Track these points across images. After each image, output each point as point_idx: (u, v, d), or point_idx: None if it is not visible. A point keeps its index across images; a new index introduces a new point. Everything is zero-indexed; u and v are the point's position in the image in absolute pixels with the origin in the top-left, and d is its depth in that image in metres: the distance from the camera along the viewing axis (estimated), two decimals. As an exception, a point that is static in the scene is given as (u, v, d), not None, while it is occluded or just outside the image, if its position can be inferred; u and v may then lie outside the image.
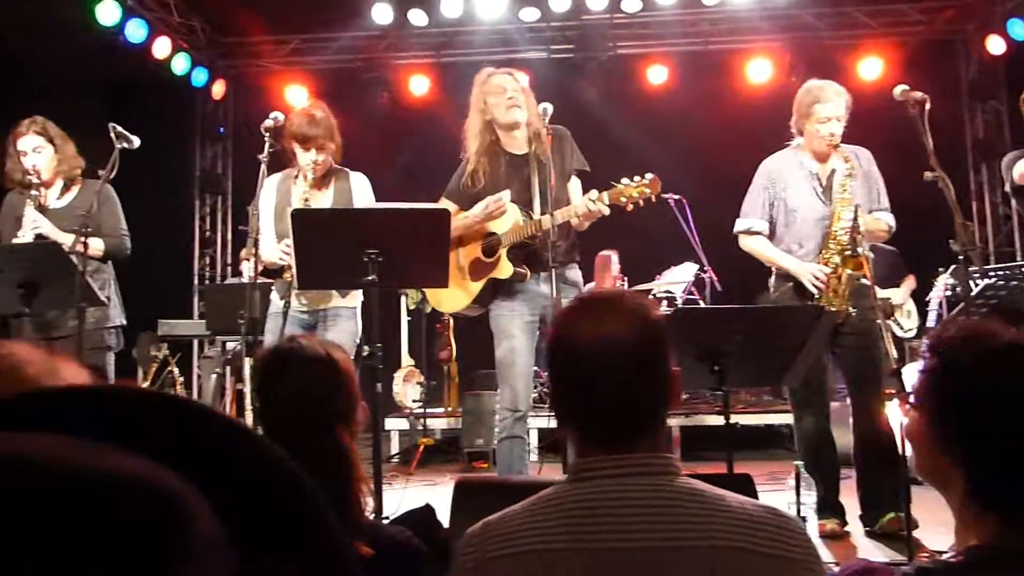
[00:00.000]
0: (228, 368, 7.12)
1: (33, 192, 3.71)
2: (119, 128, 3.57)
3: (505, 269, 3.49)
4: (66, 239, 3.62)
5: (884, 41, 8.08)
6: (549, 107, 3.41)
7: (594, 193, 3.32)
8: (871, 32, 8.11)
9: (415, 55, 8.43)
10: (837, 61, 7.88)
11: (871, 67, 7.99)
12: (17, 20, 5.94)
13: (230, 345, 6.73)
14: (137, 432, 0.38)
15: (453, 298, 3.61)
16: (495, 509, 1.32)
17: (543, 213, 3.26)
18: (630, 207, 3.30)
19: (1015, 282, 3.43)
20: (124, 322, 4.02)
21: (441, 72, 8.40)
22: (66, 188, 3.95)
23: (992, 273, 4.38)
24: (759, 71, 8.11)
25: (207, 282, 8.70)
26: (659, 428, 1.25)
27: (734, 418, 2.83)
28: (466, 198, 3.62)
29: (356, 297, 3.73)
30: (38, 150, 3.80)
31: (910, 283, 6.29)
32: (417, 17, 7.80)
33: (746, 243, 3.81)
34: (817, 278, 3.51)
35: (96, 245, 3.76)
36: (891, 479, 3.38)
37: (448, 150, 6.66)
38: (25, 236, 3.62)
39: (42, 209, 3.77)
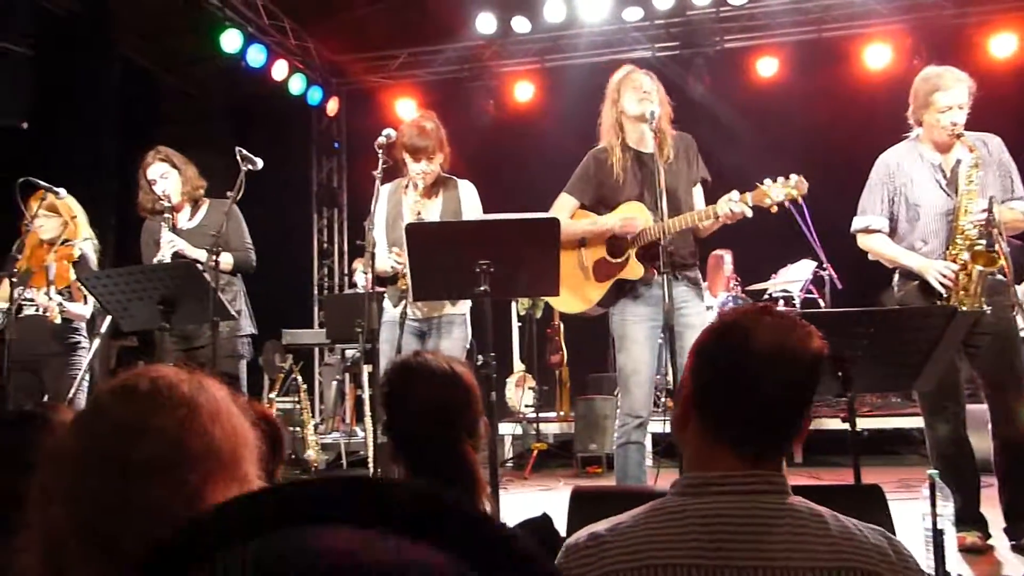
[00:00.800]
0: (347, 375, 7.39)
1: (166, 215, 3.95)
2: (244, 151, 3.77)
3: (636, 269, 3.43)
4: (200, 255, 3.87)
5: (1019, 14, 7.52)
6: (657, 109, 3.36)
7: (735, 194, 3.23)
8: (1004, 5, 7.57)
9: (519, 61, 8.51)
10: (965, 39, 7.42)
11: (1004, 44, 7.46)
12: (153, 53, 6.39)
13: (349, 352, 6.99)
14: (413, 524, 0.44)
15: (576, 300, 3.57)
16: (610, 516, 1.31)
17: (670, 214, 3.21)
18: (775, 209, 3.21)
19: None
20: (255, 331, 4.24)
21: (546, 77, 8.44)
22: (194, 209, 4.20)
23: None
24: (878, 56, 7.71)
25: (325, 292, 9.06)
26: (783, 454, 1.27)
27: (860, 422, 2.69)
28: (591, 190, 3.58)
29: (466, 303, 3.80)
30: (165, 176, 4.06)
31: None
32: (520, 24, 7.87)
33: (865, 242, 3.63)
34: (944, 276, 3.30)
35: (225, 260, 3.99)
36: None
37: (554, 153, 6.69)
38: (164, 256, 3.86)
39: (175, 231, 4.02)
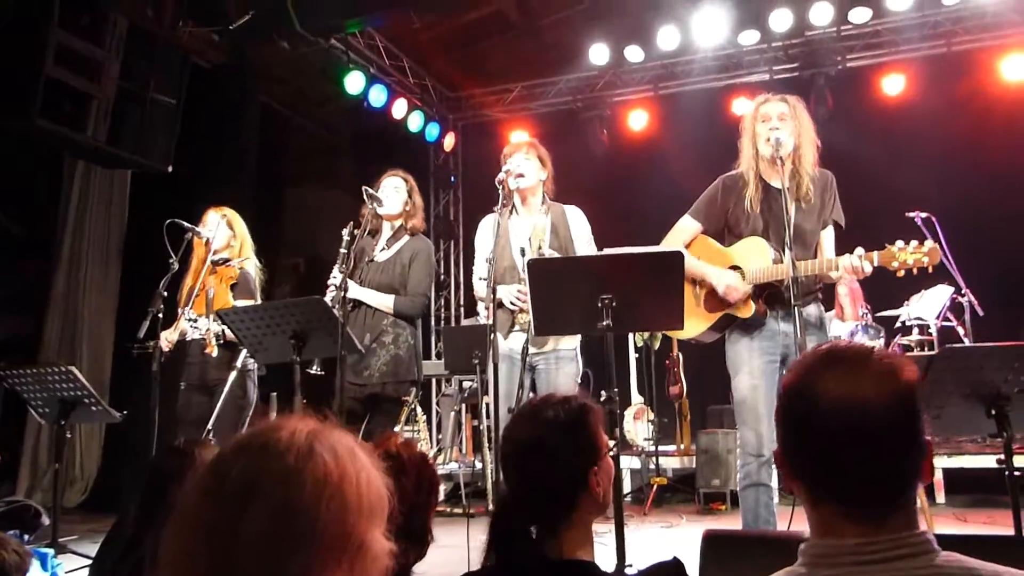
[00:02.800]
0: (464, 405, 7.48)
1: (341, 251, 3.89)
2: (370, 191, 3.90)
3: (746, 308, 3.32)
4: (364, 294, 4.02)
5: None
6: (786, 137, 3.25)
7: (860, 251, 3.10)
8: None
9: (633, 90, 8.50)
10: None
11: None
12: (282, 95, 6.77)
13: (466, 384, 7.08)
14: None
15: (688, 325, 3.37)
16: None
17: (795, 252, 3.09)
18: (901, 273, 3.06)
19: None
20: (416, 378, 4.17)
21: (660, 104, 8.39)
22: (393, 240, 4.23)
23: None
24: (1016, 68, 7.26)
25: (443, 323, 9.23)
26: (911, 503, 1.13)
27: (1016, 461, 2.48)
28: (717, 217, 3.48)
29: (576, 337, 3.78)
30: (397, 188, 4.24)
31: None
32: (633, 53, 7.86)
33: None
34: None
35: (384, 302, 4.07)
36: None
37: (669, 181, 6.60)
38: (327, 297, 3.86)
39: (368, 258, 4.14)
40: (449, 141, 9.04)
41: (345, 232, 3.96)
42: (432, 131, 8.70)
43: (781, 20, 7.30)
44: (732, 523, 5.14)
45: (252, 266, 4.43)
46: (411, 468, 1.79)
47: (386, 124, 7.98)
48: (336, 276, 3.96)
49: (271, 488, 0.91)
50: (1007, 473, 2.46)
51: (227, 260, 4.32)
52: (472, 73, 8.42)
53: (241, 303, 4.15)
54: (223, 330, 4.01)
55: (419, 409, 6.71)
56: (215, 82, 6.23)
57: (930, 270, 3.02)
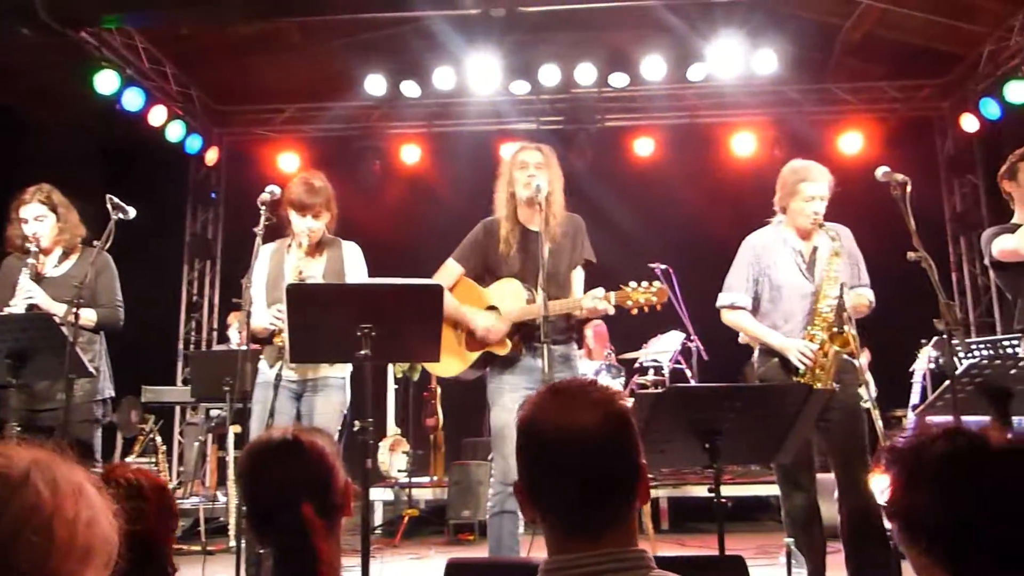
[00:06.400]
0: (210, 436, 7.03)
1: (29, 260, 3.69)
2: (115, 199, 3.61)
3: (503, 346, 3.51)
4: (59, 309, 3.61)
5: (864, 117, 8.35)
6: (544, 184, 3.48)
7: (600, 291, 3.39)
8: (851, 108, 8.38)
9: (408, 125, 8.61)
10: (818, 136, 8.12)
11: (851, 142, 8.25)
12: (21, 89, 6.06)
13: (214, 412, 6.67)
14: None
15: (449, 364, 3.59)
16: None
17: (547, 291, 3.30)
18: (635, 311, 3.37)
19: (999, 360, 3.45)
20: (112, 394, 3.97)
21: (433, 141, 8.57)
22: (64, 256, 3.93)
23: (976, 349, 4.44)
24: (744, 144, 8.33)
25: (192, 347, 8.65)
26: (629, 521, 1.27)
27: (723, 490, 2.83)
28: (477, 260, 3.66)
29: (345, 366, 3.74)
30: (40, 219, 3.80)
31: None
32: (410, 88, 7.99)
33: (729, 317, 3.80)
34: (804, 355, 3.53)
35: (88, 316, 3.74)
36: (881, 553, 3.36)
37: (440, 216, 6.74)
38: (17, 306, 3.59)
39: (39, 277, 3.75)
40: (212, 156, 8.57)
41: (34, 245, 3.71)
42: (193, 143, 8.21)
43: (549, 75, 7.80)
44: (480, 553, 5.28)
45: None
46: (151, 494, 1.68)
47: (141, 130, 7.41)
48: (30, 289, 3.62)
49: None
50: (715, 499, 2.76)
51: None
52: (241, 89, 8.08)
53: None
54: None
55: (159, 439, 6.22)
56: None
57: (659, 308, 3.37)
